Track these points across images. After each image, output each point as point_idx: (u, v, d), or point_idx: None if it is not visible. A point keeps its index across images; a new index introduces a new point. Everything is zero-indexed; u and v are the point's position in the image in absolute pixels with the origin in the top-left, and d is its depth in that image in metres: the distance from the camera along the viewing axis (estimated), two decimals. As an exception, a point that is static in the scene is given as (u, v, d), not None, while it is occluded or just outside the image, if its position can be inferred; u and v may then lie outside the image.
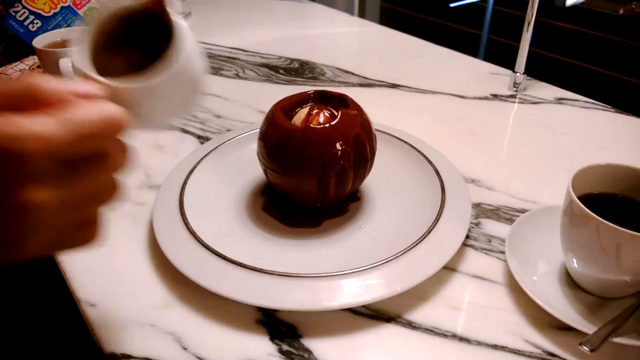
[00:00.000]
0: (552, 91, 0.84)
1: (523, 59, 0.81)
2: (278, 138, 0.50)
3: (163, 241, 0.49)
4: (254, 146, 0.63)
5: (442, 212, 0.52)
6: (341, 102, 0.54)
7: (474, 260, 0.51)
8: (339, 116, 0.50)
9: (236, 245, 0.50)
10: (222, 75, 0.90)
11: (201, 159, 0.62)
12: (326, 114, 0.52)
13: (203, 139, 0.71)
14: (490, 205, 0.59)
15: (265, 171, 0.53)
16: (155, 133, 0.72)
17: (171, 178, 0.58)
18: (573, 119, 0.76)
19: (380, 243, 0.51)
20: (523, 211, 0.57)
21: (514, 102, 0.81)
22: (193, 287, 0.46)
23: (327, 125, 0.49)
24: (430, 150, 0.63)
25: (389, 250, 0.49)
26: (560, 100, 0.81)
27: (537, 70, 0.89)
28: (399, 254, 0.47)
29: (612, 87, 2.25)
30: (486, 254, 0.52)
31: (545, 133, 0.73)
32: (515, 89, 0.83)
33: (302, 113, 0.53)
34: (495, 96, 0.82)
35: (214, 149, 0.63)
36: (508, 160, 0.67)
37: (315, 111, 0.52)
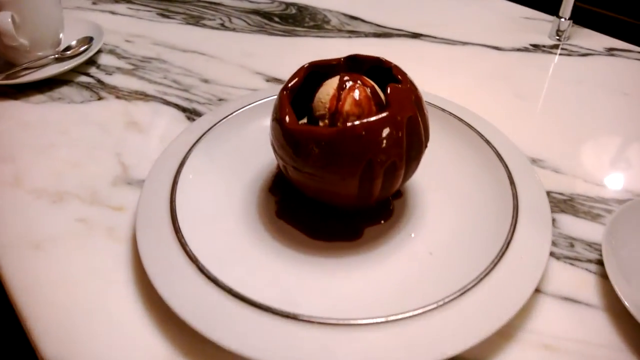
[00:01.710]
0: (600, 40, 0.71)
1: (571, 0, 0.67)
2: (300, 142, 0.36)
3: (154, 274, 0.36)
4: (256, 123, 0.50)
5: (517, 212, 0.40)
6: (377, 68, 0.41)
7: (559, 275, 0.40)
8: (387, 96, 0.36)
9: (250, 274, 0.37)
10: (204, 26, 0.73)
11: (193, 145, 0.47)
12: (362, 88, 0.38)
13: (189, 112, 0.56)
14: (561, 194, 0.47)
15: (284, 167, 0.39)
16: (126, 106, 0.57)
17: (156, 174, 0.44)
18: (630, 75, 0.64)
19: (441, 259, 0.39)
20: (601, 201, 0.46)
21: (558, 53, 0.68)
22: (201, 338, 0.33)
23: (374, 118, 0.35)
24: (480, 123, 0.50)
25: (455, 270, 0.37)
26: (610, 52, 0.68)
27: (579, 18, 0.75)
28: (476, 280, 0.35)
29: None
30: (571, 264, 0.41)
31: (604, 94, 0.60)
32: (557, 37, 0.70)
33: (329, 87, 0.39)
34: (535, 47, 0.69)
35: (208, 130, 0.49)
36: (569, 132, 0.55)
37: (347, 84, 0.38)
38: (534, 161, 0.50)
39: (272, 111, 0.39)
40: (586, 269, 0.40)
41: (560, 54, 0.67)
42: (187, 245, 0.38)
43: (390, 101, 0.36)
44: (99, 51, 0.65)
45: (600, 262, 0.41)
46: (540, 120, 0.56)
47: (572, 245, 0.42)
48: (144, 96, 0.59)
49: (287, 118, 0.37)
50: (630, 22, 0.73)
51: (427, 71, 0.64)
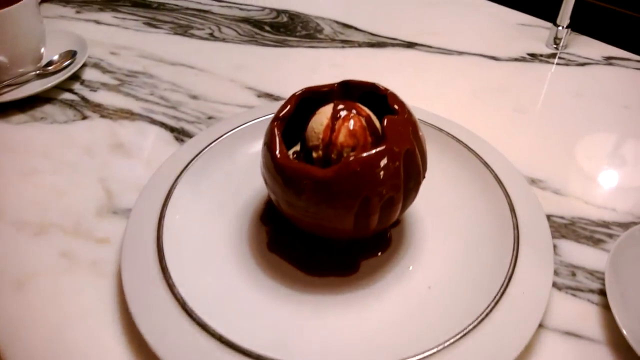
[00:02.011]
0: (598, 48, 0.69)
1: (569, 8, 0.65)
2: (293, 179, 0.34)
3: (140, 317, 0.34)
4: (247, 147, 0.49)
5: (518, 244, 0.39)
6: (371, 93, 0.39)
7: (561, 307, 0.39)
8: (383, 128, 0.35)
9: (241, 315, 0.36)
10: (192, 35, 0.71)
11: (181, 173, 0.45)
12: (357, 117, 0.36)
13: (177, 132, 0.54)
14: (561, 217, 0.45)
15: (276, 201, 0.38)
16: (112, 126, 0.55)
17: (142, 206, 0.43)
18: (630, 86, 0.62)
19: (440, 293, 0.38)
20: (603, 224, 0.45)
21: (555, 63, 0.66)
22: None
23: (370, 153, 0.33)
24: (478, 143, 0.48)
25: (454, 306, 0.36)
26: (609, 61, 0.67)
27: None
28: (476, 322, 0.34)
29: None
30: (573, 295, 0.40)
31: (604, 107, 0.59)
32: (555, 46, 0.68)
33: (322, 116, 0.37)
34: (533, 56, 0.67)
35: (197, 155, 0.47)
36: (569, 149, 0.53)
37: (341, 113, 0.37)
38: (533, 182, 0.49)
39: (263, 140, 0.38)
40: (588, 300, 0.39)
41: (557, 64, 0.66)
42: (174, 286, 0.36)
43: (386, 135, 0.34)
44: (83, 65, 0.63)
45: (602, 292, 0.39)
46: (539, 136, 0.55)
47: (573, 274, 0.41)
48: (129, 114, 0.57)
49: (278, 153, 0.35)
50: (630, 15, 0.71)
51: (422, 83, 0.63)
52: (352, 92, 0.41)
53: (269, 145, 0.36)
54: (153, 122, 0.56)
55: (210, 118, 0.56)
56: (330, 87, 0.40)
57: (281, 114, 0.38)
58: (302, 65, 0.65)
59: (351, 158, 0.33)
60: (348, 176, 0.33)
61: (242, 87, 0.61)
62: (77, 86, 0.61)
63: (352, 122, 0.36)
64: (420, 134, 0.37)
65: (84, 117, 0.56)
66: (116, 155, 0.52)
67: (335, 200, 0.33)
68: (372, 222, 0.36)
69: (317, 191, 0.33)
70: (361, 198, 0.34)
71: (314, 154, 0.36)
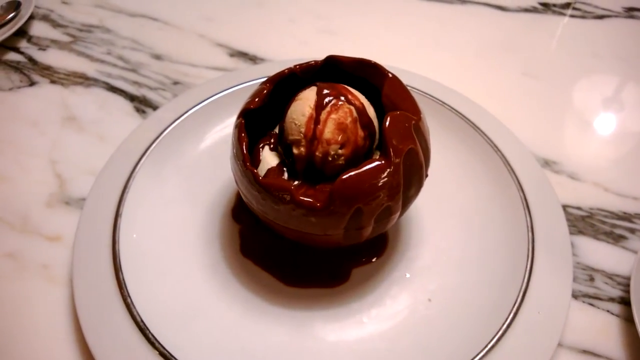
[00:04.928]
0: (617, -3, 0.61)
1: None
2: (275, 204, 0.28)
3: (95, 344, 0.29)
4: (219, 122, 0.42)
5: (533, 249, 0.34)
6: (363, 71, 0.32)
7: (577, 320, 0.34)
8: (385, 132, 0.28)
9: (210, 337, 0.31)
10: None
11: (142, 155, 0.39)
12: (346, 106, 0.30)
13: (138, 101, 0.47)
14: (578, 208, 0.40)
15: (250, 207, 0.32)
16: (63, 94, 0.47)
17: (97, 197, 0.36)
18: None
19: (441, 308, 0.32)
20: (625, 217, 0.40)
21: (569, 15, 0.59)
22: None
23: (367, 169, 0.27)
24: (486, 120, 0.42)
25: (458, 327, 0.31)
26: (630, 13, 0.59)
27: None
28: (485, 350, 0.29)
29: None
30: (591, 304, 0.35)
31: (624, 71, 0.52)
32: (570, -6, 0.60)
33: (305, 105, 0.30)
34: (545, 6, 0.59)
35: (161, 133, 0.40)
36: (585, 124, 0.47)
37: (327, 101, 0.30)
38: (546, 164, 0.43)
39: (231, 142, 0.31)
40: (608, 311, 0.35)
41: (571, 16, 0.58)
42: (131, 304, 0.31)
43: (387, 143, 0.28)
44: (30, 18, 0.54)
45: (623, 301, 0.35)
46: (551, 108, 0.48)
47: (591, 279, 0.36)
48: (84, 79, 0.49)
49: (250, 165, 0.29)
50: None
51: (421, 40, 0.55)
52: (338, 65, 0.33)
53: (237, 149, 0.29)
54: (110, 88, 0.48)
55: (175, 83, 0.49)
56: (311, 65, 0.33)
57: (247, 108, 0.31)
58: (281, 16, 0.57)
59: (345, 176, 0.27)
60: (340, 201, 0.27)
61: (212, 44, 0.53)
62: (23, 44, 0.53)
63: (340, 112, 0.29)
64: (424, 128, 0.31)
65: (32, 83, 0.49)
66: (69, 131, 0.44)
67: (323, 220, 0.27)
68: (364, 233, 0.30)
69: (302, 214, 0.27)
70: (353, 210, 0.28)
71: (295, 150, 0.30)
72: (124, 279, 0.32)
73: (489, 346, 0.29)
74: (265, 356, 0.30)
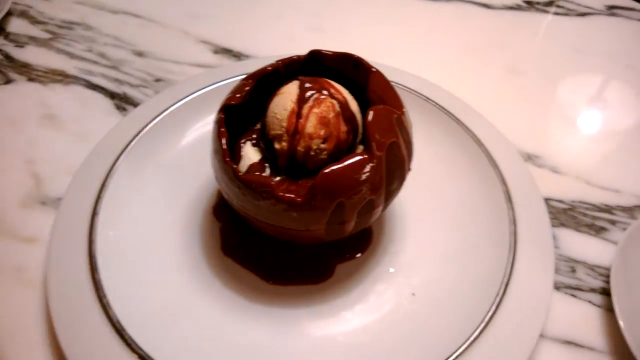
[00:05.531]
0: (599, -6, 0.62)
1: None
2: (255, 199, 0.28)
3: (70, 348, 0.29)
4: (200, 119, 0.42)
5: (515, 242, 0.34)
6: (347, 66, 0.32)
7: (559, 311, 0.34)
8: (368, 127, 0.28)
9: (190, 338, 0.30)
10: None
11: (121, 153, 0.38)
12: (329, 100, 0.29)
13: (119, 99, 0.46)
14: (560, 201, 0.40)
15: (230, 203, 0.31)
16: (41, 92, 0.47)
17: (73, 196, 0.36)
18: (634, 42, 0.56)
19: (425, 302, 0.32)
20: (606, 209, 0.40)
21: (553, 12, 0.59)
22: None
23: (349, 163, 0.27)
24: (470, 115, 0.42)
25: (442, 320, 0.31)
26: (611, 11, 0.60)
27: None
28: (467, 344, 0.29)
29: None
30: (573, 295, 0.35)
31: (606, 66, 0.53)
32: (553, -10, 0.61)
33: (286, 99, 0.30)
34: (529, 4, 0.60)
35: (140, 131, 0.40)
36: (568, 118, 0.48)
37: (309, 94, 0.30)
38: (529, 158, 0.43)
39: (211, 138, 0.31)
40: (589, 301, 0.35)
41: (555, 13, 0.59)
42: (108, 306, 0.30)
43: (369, 133, 0.27)
44: (7, 14, 0.53)
45: (604, 292, 0.35)
46: (535, 103, 0.48)
47: (573, 270, 0.36)
48: (63, 77, 0.48)
49: (229, 160, 0.28)
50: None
51: (407, 37, 0.55)
52: (321, 60, 0.33)
53: (216, 143, 0.29)
54: (90, 86, 0.47)
55: (158, 81, 0.48)
56: (294, 60, 0.33)
57: (228, 103, 0.31)
58: (267, 13, 0.57)
59: (326, 170, 0.26)
60: (321, 195, 0.26)
61: (196, 40, 0.52)
62: (0, 40, 0.52)
63: (322, 106, 0.29)
64: (407, 121, 0.31)
65: (9, 81, 0.48)
66: (46, 130, 0.44)
67: (305, 215, 0.27)
68: (347, 228, 0.30)
69: (283, 210, 0.27)
70: (334, 205, 0.27)
71: (277, 145, 0.30)
72: (100, 279, 0.31)
73: (473, 338, 0.29)
74: (249, 355, 0.30)
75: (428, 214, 0.37)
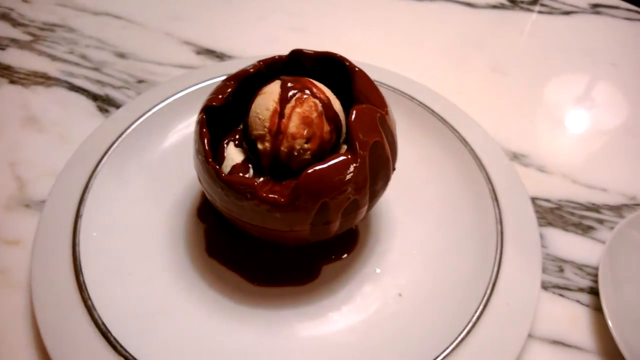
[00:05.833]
0: (583, -7, 0.62)
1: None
2: (239, 200, 0.28)
3: (55, 350, 0.28)
4: (183, 120, 0.41)
5: (502, 242, 0.34)
6: (329, 66, 0.32)
7: (547, 311, 0.34)
8: (351, 126, 0.28)
9: (175, 340, 0.30)
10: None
11: (104, 155, 0.38)
12: (311, 99, 0.29)
13: (101, 101, 0.46)
14: (547, 200, 0.40)
15: (213, 204, 0.31)
16: (23, 94, 0.46)
17: (57, 198, 0.35)
18: (618, 40, 0.56)
19: (412, 302, 0.32)
20: (593, 208, 0.40)
21: (537, 11, 0.59)
22: None
23: (332, 163, 0.27)
24: (455, 114, 0.42)
25: (428, 321, 0.31)
26: (595, 9, 0.60)
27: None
28: (454, 344, 0.29)
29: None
30: (561, 295, 0.35)
31: (591, 65, 0.53)
32: (537, -10, 0.61)
33: (268, 99, 0.29)
34: (513, 3, 0.60)
35: (123, 132, 0.39)
36: (554, 118, 0.48)
37: (291, 94, 0.29)
38: (515, 157, 0.43)
39: (193, 138, 0.30)
40: (577, 301, 0.35)
41: (539, 12, 0.59)
42: (93, 307, 0.29)
43: (352, 133, 0.27)
44: (-12, 16, 0.52)
45: (592, 291, 0.35)
46: (520, 102, 0.48)
47: (561, 270, 0.36)
48: (45, 79, 0.47)
49: (211, 161, 0.28)
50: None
51: (391, 36, 0.55)
52: (304, 60, 0.33)
53: (202, 156, 0.29)
54: (72, 88, 0.47)
55: (140, 82, 0.47)
56: (276, 60, 0.32)
57: (209, 104, 0.30)
58: (250, 13, 0.56)
59: (310, 170, 0.26)
60: (305, 196, 0.26)
61: (178, 41, 0.52)
62: (-20, 42, 0.51)
63: (305, 106, 0.29)
64: (391, 120, 0.30)
65: (-11, 83, 0.47)
66: (28, 132, 0.43)
67: (289, 215, 0.27)
68: (332, 228, 0.29)
69: (267, 210, 0.27)
70: (318, 205, 0.27)
71: (260, 146, 0.29)
72: (84, 281, 0.31)
73: (460, 338, 0.29)
74: (234, 357, 0.29)
75: (414, 214, 0.37)
